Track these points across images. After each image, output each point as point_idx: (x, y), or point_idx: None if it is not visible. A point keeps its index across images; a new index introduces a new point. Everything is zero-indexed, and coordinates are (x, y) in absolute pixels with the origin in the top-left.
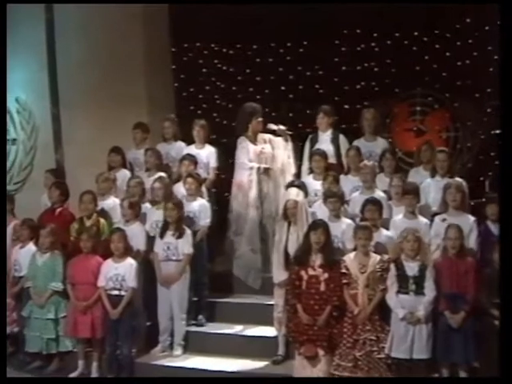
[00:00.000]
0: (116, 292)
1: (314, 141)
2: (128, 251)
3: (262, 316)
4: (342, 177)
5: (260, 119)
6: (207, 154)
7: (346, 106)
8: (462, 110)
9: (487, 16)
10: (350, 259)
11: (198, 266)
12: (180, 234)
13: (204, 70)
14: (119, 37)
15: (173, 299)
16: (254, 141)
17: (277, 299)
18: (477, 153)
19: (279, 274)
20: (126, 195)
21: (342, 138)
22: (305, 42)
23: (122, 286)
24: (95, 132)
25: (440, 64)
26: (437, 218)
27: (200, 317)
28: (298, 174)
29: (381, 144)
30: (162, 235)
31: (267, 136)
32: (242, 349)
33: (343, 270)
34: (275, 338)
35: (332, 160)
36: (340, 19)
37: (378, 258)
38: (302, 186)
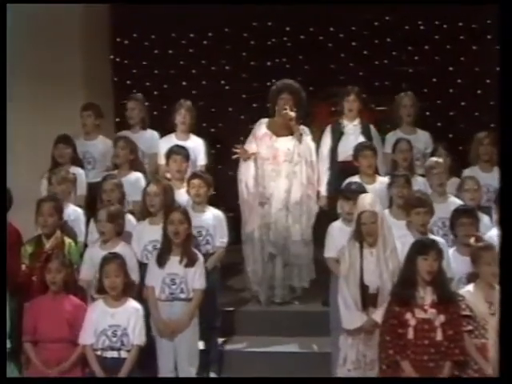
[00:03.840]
0: (114, 354)
1: (338, 131)
2: (129, 289)
3: (301, 370)
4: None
5: (286, 96)
6: (194, 148)
7: (255, 105)
8: (383, 113)
9: (407, 15)
10: (470, 294)
11: (208, 304)
12: (190, 262)
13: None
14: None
15: (180, 353)
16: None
17: (346, 350)
18: None
19: (353, 318)
20: (99, 202)
21: (373, 130)
22: (210, 34)
23: (123, 343)
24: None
25: (357, 63)
26: None
27: (212, 374)
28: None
29: (422, 137)
30: (161, 262)
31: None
32: None
33: (465, 312)
34: None
35: None
36: (249, 10)
37: None
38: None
